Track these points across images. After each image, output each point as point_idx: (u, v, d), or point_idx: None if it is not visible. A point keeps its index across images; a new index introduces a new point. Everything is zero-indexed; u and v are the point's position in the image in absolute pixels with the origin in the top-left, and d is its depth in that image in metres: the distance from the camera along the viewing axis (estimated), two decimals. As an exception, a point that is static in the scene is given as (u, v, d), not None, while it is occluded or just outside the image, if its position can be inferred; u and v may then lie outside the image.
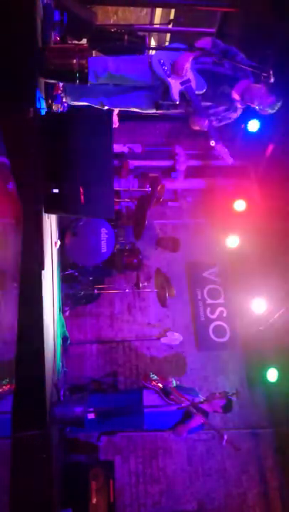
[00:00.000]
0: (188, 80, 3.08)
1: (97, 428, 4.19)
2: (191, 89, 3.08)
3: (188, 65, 3.04)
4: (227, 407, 4.00)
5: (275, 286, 5.10)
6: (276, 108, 3.16)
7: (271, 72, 3.03)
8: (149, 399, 4.03)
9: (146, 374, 4.39)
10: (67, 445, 4.41)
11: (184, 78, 3.07)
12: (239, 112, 3.34)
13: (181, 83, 3.07)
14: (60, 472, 3.90)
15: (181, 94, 3.13)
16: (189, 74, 3.08)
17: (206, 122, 3.09)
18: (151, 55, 3.12)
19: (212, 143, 3.10)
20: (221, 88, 3.20)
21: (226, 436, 3.73)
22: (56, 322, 4.17)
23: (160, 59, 3.05)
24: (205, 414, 3.95)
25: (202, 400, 3.95)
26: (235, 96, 3.22)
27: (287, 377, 4.92)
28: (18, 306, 2.82)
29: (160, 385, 4.09)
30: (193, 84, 3.10)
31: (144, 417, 3.96)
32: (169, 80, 3.07)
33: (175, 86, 3.08)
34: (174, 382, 4.19)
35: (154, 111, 3.38)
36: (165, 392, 4.02)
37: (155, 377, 4.19)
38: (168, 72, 3.05)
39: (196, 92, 3.12)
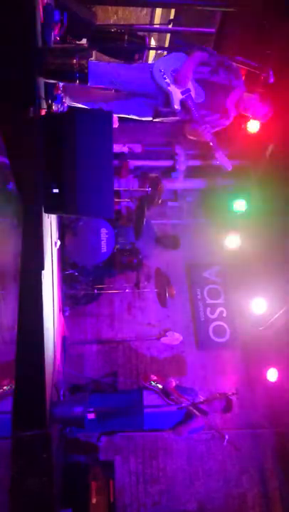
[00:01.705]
0: (189, 90, 3.15)
1: (97, 428, 4.19)
2: (191, 99, 3.15)
3: (189, 76, 3.10)
4: (227, 408, 4.00)
5: (275, 286, 5.10)
6: (268, 116, 3.24)
7: (271, 72, 3.05)
8: (149, 399, 4.03)
9: (146, 374, 4.39)
10: (67, 445, 4.41)
11: (184, 88, 3.13)
12: (231, 119, 3.42)
13: (182, 92, 3.15)
14: (60, 472, 3.90)
15: (181, 102, 3.19)
16: (189, 84, 3.15)
17: (210, 134, 3.15)
18: (152, 64, 3.20)
19: (212, 143, 3.13)
20: (216, 97, 3.28)
21: (227, 436, 3.73)
22: (56, 322, 4.17)
23: (161, 68, 3.12)
24: (205, 413, 3.95)
25: (202, 401, 3.95)
26: (229, 105, 3.30)
27: (287, 376, 4.92)
28: (18, 306, 2.82)
29: (160, 386, 4.09)
30: (192, 93, 3.17)
31: (144, 417, 3.96)
32: (170, 88, 3.13)
33: (176, 95, 3.15)
34: (173, 382, 4.18)
35: (150, 119, 3.43)
36: (165, 392, 4.02)
37: (154, 378, 4.19)
38: (169, 82, 3.11)
39: (196, 102, 3.19)
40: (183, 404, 3.87)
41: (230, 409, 4.03)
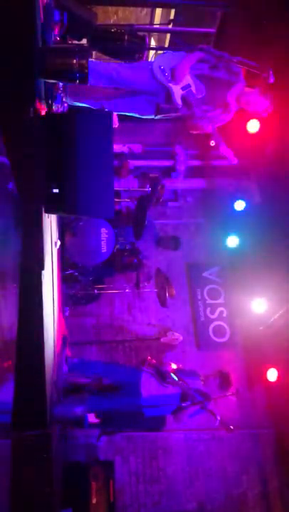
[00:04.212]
0: (189, 85, 3.19)
1: (99, 403, 4.14)
2: (192, 94, 3.17)
3: (187, 72, 3.12)
4: (225, 383, 4.04)
5: (275, 286, 5.10)
6: (269, 111, 3.27)
7: (271, 72, 3.08)
8: (146, 383, 4.02)
9: (143, 359, 4.38)
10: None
11: (184, 83, 3.16)
12: (232, 114, 3.45)
13: (182, 88, 3.19)
14: (60, 472, 3.90)
15: (182, 98, 3.21)
16: (189, 79, 3.19)
17: (211, 127, 3.18)
18: (152, 62, 3.23)
19: (212, 143, 3.17)
20: (217, 92, 3.32)
21: (218, 417, 3.76)
22: (56, 322, 4.17)
23: (160, 65, 3.15)
24: (207, 398, 3.97)
25: (201, 380, 4.01)
26: (230, 99, 3.34)
27: (287, 376, 4.92)
28: (18, 306, 2.82)
29: (156, 367, 4.09)
30: (193, 88, 3.21)
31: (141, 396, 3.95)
32: (170, 85, 3.17)
33: (177, 91, 3.19)
34: (173, 365, 4.18)
35: (152, 117, 3.45)
36: (161, 375, 4.02)
37: (154, 362, 4.18)
38: (169, 78, 3.13)
39: (196, 97, 3.21)
40: (183, 385, 3.89)
41: (229, 383, 4.05)
